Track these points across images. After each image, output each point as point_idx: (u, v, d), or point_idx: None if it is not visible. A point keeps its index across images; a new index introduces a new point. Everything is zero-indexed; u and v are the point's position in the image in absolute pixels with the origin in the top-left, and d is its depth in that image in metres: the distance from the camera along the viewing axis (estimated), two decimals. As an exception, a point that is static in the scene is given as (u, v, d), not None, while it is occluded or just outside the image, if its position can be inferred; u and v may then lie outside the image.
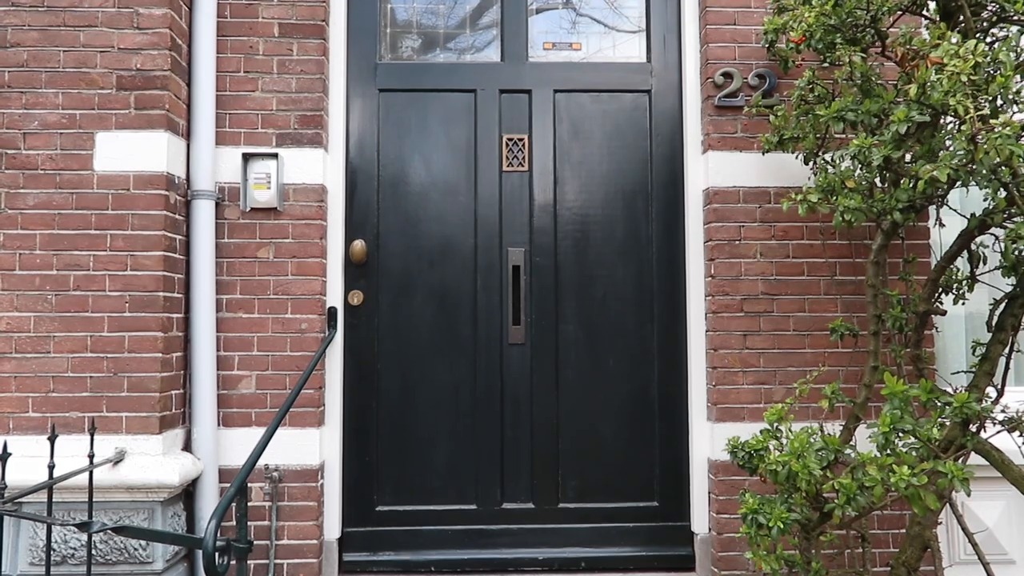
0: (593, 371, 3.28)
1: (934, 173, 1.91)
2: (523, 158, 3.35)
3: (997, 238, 2.34)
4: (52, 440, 2.29)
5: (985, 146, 1.78)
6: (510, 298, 3.30)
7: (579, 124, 3.36)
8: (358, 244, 3.22)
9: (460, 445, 3.26)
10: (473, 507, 3.25)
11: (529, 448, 3.27)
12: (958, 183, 1.99)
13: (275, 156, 3.02)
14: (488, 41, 3.51)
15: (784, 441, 2.21)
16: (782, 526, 2.07)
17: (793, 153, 2.74)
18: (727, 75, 3.07)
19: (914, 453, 1.90)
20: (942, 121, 2.21)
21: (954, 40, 2.01)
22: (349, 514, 3.19)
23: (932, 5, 2.51)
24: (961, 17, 2.35)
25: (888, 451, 1.88)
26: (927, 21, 2.58)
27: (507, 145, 3.35)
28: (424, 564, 3.18)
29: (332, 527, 3.08)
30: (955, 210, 2.56)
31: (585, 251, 3.31)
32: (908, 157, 2.31)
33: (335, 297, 3.13)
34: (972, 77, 1.87)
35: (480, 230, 3.31)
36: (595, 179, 3.34)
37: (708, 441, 3.04)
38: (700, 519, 3.08)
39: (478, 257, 3.31)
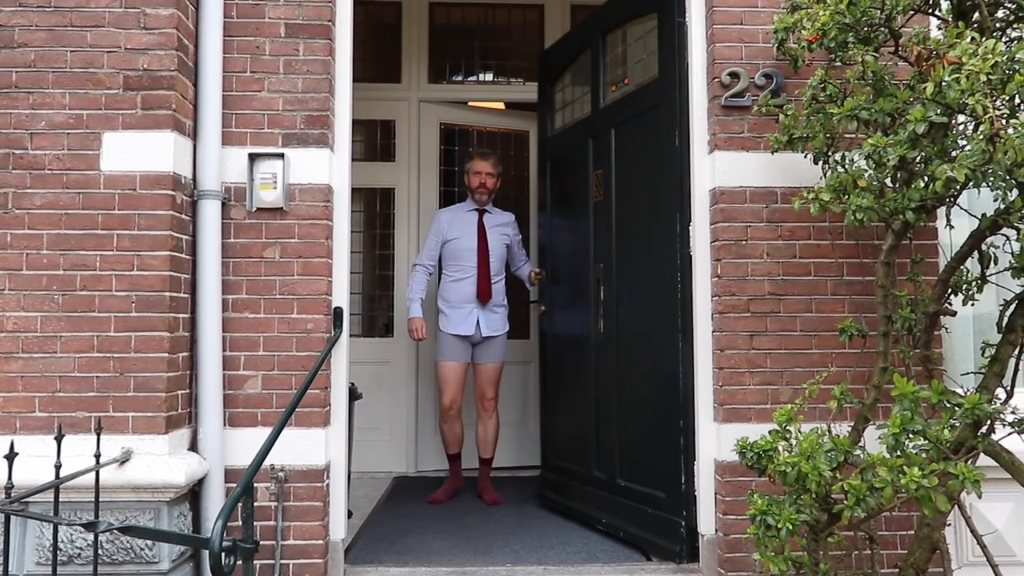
0: (628, 369, 3.62)
1: (951, 173, 1.90)
2: (602, 189, 3.89)
3: (1008, 238, 2.32)
4: (59, 440, 2.29)
5: (1004, 146, 1.76)
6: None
7: (627, 149, 3.71)
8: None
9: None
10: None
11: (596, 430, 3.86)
12: (971, 183, 1.98)
13: (281, 156, 3.02)
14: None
15: (793, 442, 2.20)
16: (791, 527, 2.06)
17: (802, 152, 2.72)
18: (734, 75, 3.06)
19: (924, 454, 1.89)
20: (954, 121, 2.20)
21: (971, 39, 1.99)
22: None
23: (945, 5, 2.50)
24: (976, 16, 2.34)
25: (898, 452, 1.87)
26: (939, 21, 2.56)
27: (598, 179, 3.94)
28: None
29: (338, 527, 3.07)
30: (965, 210, 2.54)
31: (624, 260, 3.69)
32: (919, 157, 2.29)
33: (341, 297, 3.13)
34: (990, 77, 1.85)
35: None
36: (632, 192, 3.65)
37: (715, 442, 3.03)
38: (706, 520, 3.07)
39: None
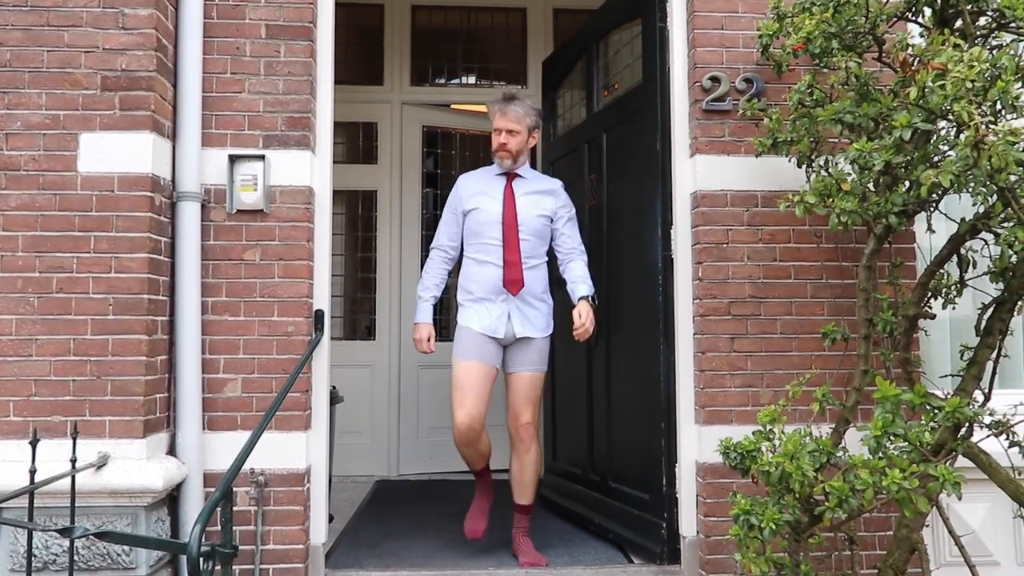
0: (617, 371, 3.63)
1: (936, 179, 1.92)
2: (596, 193, 3.91)
3: (986, 242, 2.35)
4: (34, 444, 2.26)
5: (989, 152, 1.79)
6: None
7: (616, 153, 3.74)
8: None
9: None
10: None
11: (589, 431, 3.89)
12: (954, 188, 2.01)
13: (262, 158, 2.99)
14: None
15: (777, 443, 2.21)
16: (774, 527, 2.07)
17: (786, 156, 2.75)
18: (715, 79, 3.08)
19: (904, 456, 1.91)
20: (935, 126, 2.22)
21: (955, 46, 2.02)
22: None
23: (928, 12, 2.53)
24: (958, 23, 2.37)
25: (880, 454, 1.89)
26: (921, 28, 2.58)
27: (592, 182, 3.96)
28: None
29: (318, 532, 3.05)
30: (944, 214, 2.57)
31: (614, 263, 3.68)
32: (903, 162, 2.32)
33: (322, 300, 3.11)
34: (974, 83, 1.88)
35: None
36: (620, 196, 3.70)
37: (696, 443, 3.04)
38: (688, 521, 3.07)
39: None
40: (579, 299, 3.27)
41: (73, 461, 2.45)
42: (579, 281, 3.33)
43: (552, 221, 3.38)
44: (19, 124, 2.76)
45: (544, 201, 3.37)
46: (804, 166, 2.71)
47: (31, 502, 2.29)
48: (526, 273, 3.27)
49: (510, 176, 3.39)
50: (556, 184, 3.49)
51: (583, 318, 3.19)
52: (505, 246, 3.27)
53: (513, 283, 3.25)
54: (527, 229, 3.30)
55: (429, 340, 3.31)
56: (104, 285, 2.74)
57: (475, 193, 3.36)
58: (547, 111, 4.61)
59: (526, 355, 3.31)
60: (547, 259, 3.40)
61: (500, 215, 3.29)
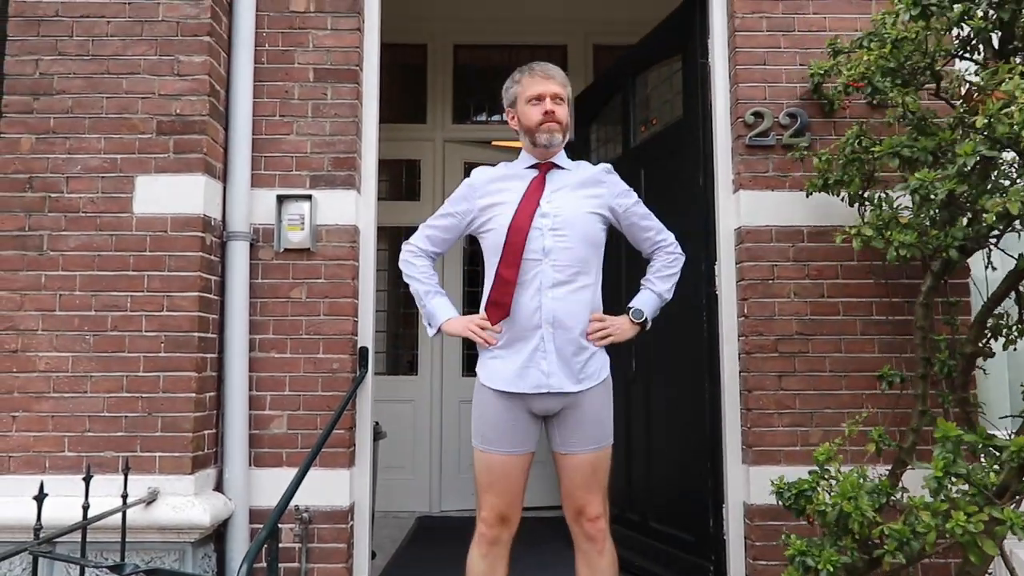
0: (657, 408, 3.60)
1: (1005, 206, 1.88)
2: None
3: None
4: (87, 480, 2.30)
5: None
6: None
7: (655, 189, 3.72)
8: None
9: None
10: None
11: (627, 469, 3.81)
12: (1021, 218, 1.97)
13: (309, 198, 3.05)
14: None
15: (833, 482, 2.15)
16: (831, 570, 2.00)
17: (837, 195, 2.72)
18: (758, 115, 3.07)
19: (967, 498, 1.84)
20: (1000, 155, 2.20)
21: (1021, 74, 1.99)
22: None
23: (982, 48, 2.50)
24: (1018, 59, 2.34)
25: (941, 496, 1.82)
26: (976, 66, 2.55)
27: None
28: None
29: (361, 570, 3.04)
30: (1001, 249, 2.51)
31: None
32: (966, 192, 2.28)
33: (366, 337, 3.14)
34: None
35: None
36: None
37: (743, 484, 2.97)
38: (736, 564, 3.00)
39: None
40: (627, 311, 2.48)
41: (124, 497, 2.49)
42: (647, 285, 2.56)
43: (615, 217, 2.46)
44: (79, 168, 2.86)
45: (593, 196, 2.42)
46: (855, 204, 2.67)
47: (84, 537, 2.33)
48: (567, 295, 2.31)
49: (543, 168, 2.46)
50: (603, 167, 2.50)
51: (605, 323, 2.39)
52: (504, 253, 2.31)
53: (497, 308, 2.31)
54: (571, 232, 2.33)
55: (473, 325, 2.33)
56: (156, 323, 2.80)
57: (494, 184, 2.46)
58: (580, 146, 4.61)
59: (579, 427, 2.32)
60: (600, 278, 2.46)
61: (511, 218, 2.35)
